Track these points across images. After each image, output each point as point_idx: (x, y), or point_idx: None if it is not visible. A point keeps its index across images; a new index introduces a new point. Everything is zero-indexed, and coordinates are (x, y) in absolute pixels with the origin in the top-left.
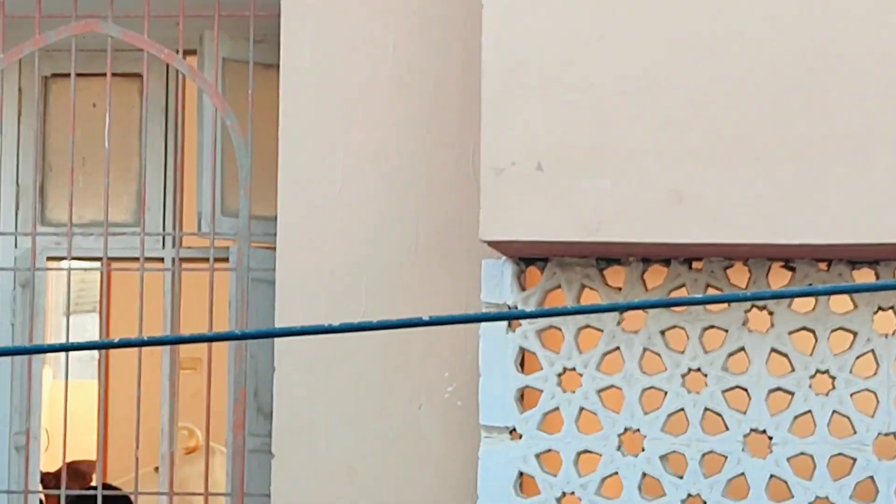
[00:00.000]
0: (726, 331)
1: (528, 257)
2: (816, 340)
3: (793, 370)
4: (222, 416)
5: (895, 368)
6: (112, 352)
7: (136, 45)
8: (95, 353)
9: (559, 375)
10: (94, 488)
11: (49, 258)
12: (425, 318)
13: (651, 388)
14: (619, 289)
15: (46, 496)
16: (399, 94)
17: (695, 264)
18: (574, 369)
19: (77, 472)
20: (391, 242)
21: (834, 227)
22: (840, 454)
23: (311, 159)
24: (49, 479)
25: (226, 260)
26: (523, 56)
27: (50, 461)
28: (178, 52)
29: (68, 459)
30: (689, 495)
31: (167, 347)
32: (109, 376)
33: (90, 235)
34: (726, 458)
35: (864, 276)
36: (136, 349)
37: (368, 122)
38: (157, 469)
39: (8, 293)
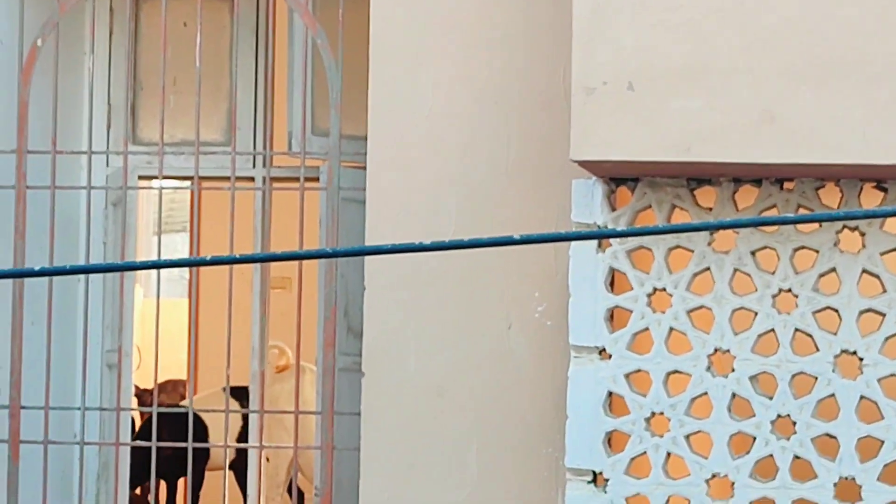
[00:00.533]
0: (817, 251)
1: (619, 177)
2: None
3: (884, 291)
4: (312, 335)
5: None
6: (202, 271)
7: None
8: (185, 272)
9: (649, 296)
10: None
11: (140, 177)
12: (515, 236)
13: (741, 308)
14: (710, 209)
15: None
16: (490, 13)
17: (786, 184)
18: (664, 289)
19: (176, 389)
20: (482, 161)
21: None
22: None
23: (401, 78)
24: (147, 396)
25: (316, 179)
26: None
27: (141, 379)
28: None
29: (160, 377)
30: (779, 416)
31: (258, 266)
32: (199, 295)
33: (181, 154)
34: (816, 378)
35: None
36: (226, 268)
37: (459, 41)
38: (224, 389)
39: (100, 212)
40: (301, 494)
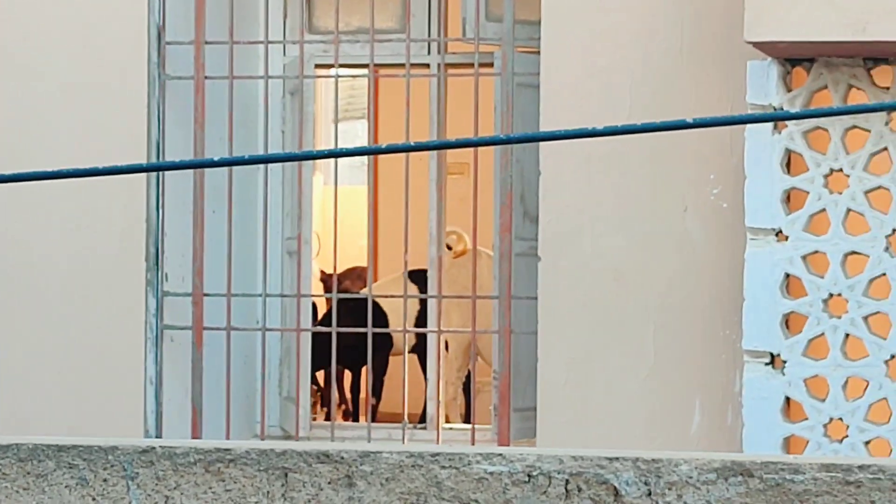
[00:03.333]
0: None
1: (794, 58)
2: None
3: None
4: (489, 220)
5: None
6: (380, 158)
7: None
8: (364, 159)
9: (826, 176)
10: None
11: (317, 65)
12: (689, 120)
13: None
14: (887, 88)
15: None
16: None
17: None
18: (841, 170)
19: (361, 276)
20: (656, 44)
21: None
22: None
23: None
24: (332, 281)
25: (491, 65)
26: None
27: (326, 265)
28: None
29: (343, 265)
30: None
31: (434, 153)
32: (378, 182)
33: (357, 42)
34: None
35: None
36: (404, 155)
37: None
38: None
39: (277, 101)
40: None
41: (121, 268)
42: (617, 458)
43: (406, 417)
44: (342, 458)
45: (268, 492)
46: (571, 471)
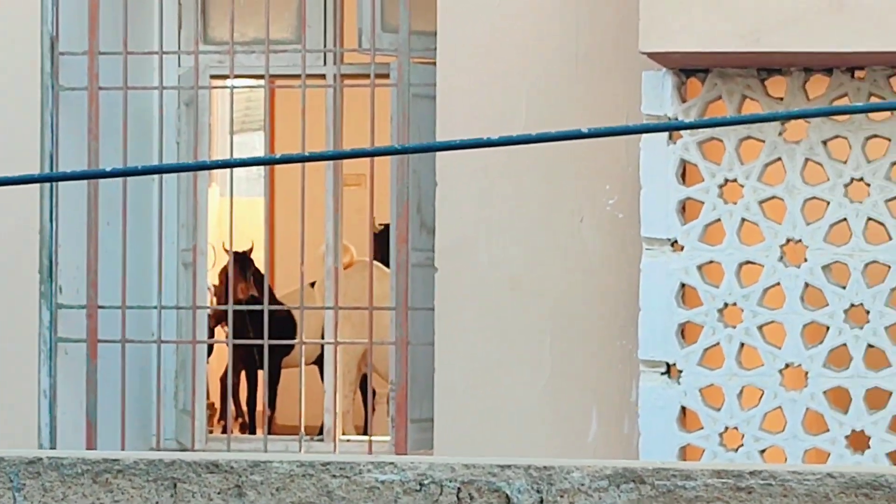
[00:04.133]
0: (889, 140)
1: (689, 68)
2: None
3: None
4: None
5: None
6: (277, 170)
7: None
8: (261, 171)
9: (720, 187)
10: (260, 301)
11: (212, 76)
12: (584, 130)
13: (813, 198)
14: (781, 99)
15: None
16: None
17: (857, 73)
18: (735, 180)
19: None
20: (551, 55)
21: None
22: None
23: None
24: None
25: (387, 76)
26: None
27: (218, 277)
28: None
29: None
30: (852, 305)
31: (330, 164)
32: (275, 193)
33: (252, 53)
34: (889, 267)
35: None
36: (300, 166)
37: None
38: (311, 284)
39: (172, 112)
40: (373, 392)
41: (14, 280)
42: (509, 466)
43: (303, 429)
44: (232, 467)
45: (157, 502)
46: (463, 479)
